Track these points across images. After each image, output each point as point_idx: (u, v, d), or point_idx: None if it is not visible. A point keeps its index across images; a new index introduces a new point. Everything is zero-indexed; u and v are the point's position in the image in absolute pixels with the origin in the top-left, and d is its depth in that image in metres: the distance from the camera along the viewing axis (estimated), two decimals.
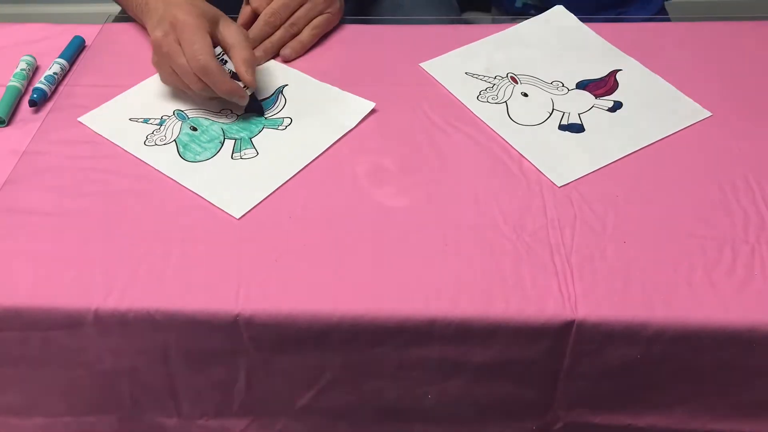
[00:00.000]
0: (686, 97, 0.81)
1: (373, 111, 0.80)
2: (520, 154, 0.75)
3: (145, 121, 0.79)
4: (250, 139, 0.77)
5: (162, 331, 0.64)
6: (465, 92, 0.82)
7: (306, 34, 0.89)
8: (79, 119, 0.79)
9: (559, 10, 0.94)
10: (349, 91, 0.82)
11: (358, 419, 0.74)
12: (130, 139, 0.77)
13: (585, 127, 0.78)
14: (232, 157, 0.75)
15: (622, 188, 0.71)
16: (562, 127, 0.78)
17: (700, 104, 0.80)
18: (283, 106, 0.81)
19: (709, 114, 0.79)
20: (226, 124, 0.79)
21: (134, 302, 0.62)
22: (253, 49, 0.84)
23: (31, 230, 0.68)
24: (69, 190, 0.72)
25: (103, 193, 0.71)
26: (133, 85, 0.84)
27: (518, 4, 1.12)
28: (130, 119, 0.79)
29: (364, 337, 0.63)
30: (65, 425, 0.75)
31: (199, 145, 0.76)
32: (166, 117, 0.80)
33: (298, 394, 0.70)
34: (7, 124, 0.79)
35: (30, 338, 0.65)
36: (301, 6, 0.88)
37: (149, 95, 0.83)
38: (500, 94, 0.82)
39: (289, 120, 0.79)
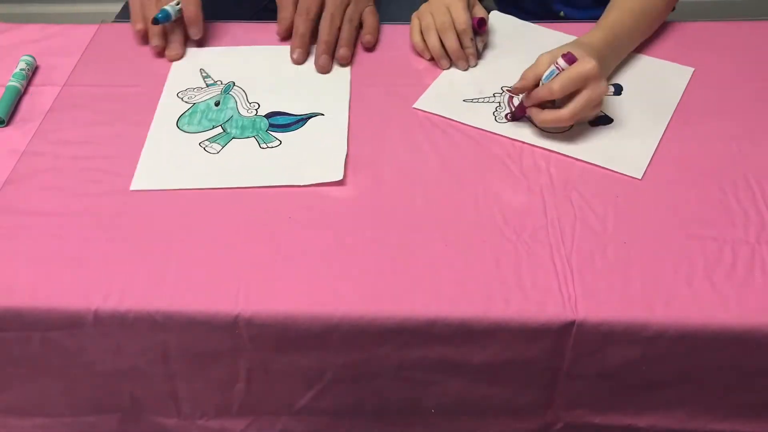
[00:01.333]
0: (665, 61, 0.83)
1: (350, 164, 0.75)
2: (582, 161, 0.74)
3: (205, 75, 0.85)
4: (233, 138, 0.78)
5: (162, 332, 0.64)
6: (479, 119, 0.79)
7: (371, 19, 0.90)
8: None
9: (496, 14, 0.93)
10: (352, 90, 0.82)
11: (359, 419, 0.74)
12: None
13: (610, 116, 0.78)
14: (199, 144, 0.77)
15: (622, 188, 0.71)
16: (593, 123, 0.78)
17: (700, 102, 0.80)
18: (296, 129, 0.79)
19: (692, 69, 0.82)
20: (239, 116, 0.81)
21: (134, 303, 0.62)
22: (325, 53, 0.86)
23: (31, 230, 0.68)
24: (69, 190, 0.72)
25: (103, 194, 0.71)
26: (132, 85, 0.84)
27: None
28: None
29: (365, 338, 0.63)
30: (65, 425, 0.75)
31: (206, 118, 0.80)
32: (225, 82, 0.85)
33: (298, 394, 0.70)
34: (7, 124, 0.79)
35: (30, 339, 0.65)
36: (347, 5, 0.89)
37: (236, 56, 0.89)
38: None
39: (278, 142, 0.77)
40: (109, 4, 1.01)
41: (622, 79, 0.83)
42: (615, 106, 0.80)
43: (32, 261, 0.65)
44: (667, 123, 0.78)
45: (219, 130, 0.78)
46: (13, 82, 0.82)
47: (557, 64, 0.73)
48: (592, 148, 0.75)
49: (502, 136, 0.77)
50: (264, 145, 0.77)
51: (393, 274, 0.64)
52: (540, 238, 0.67)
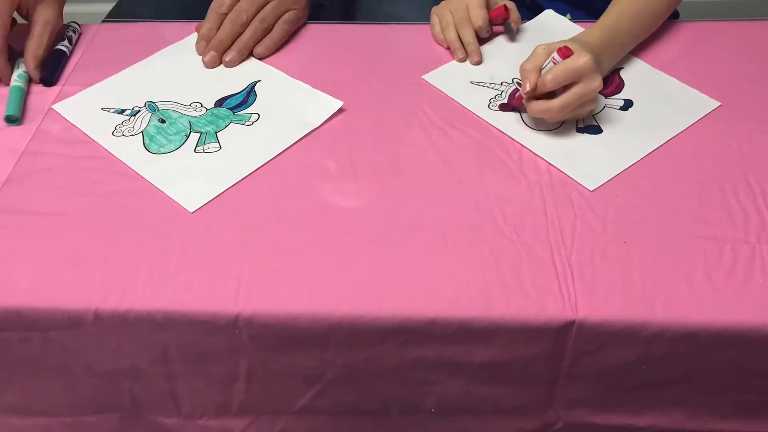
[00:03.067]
0: (693, 90, 0.81)
1: (342, 109, 0.80)
2: (548, 162, 0.73)
3: (118, 111, 0.80)
4: (216, 133, 0.78)
5: (162, 331, 0.63)
6: (474, 102, 0.80)
7: (277, 30, 0.89)
8: (53, 107, 0.80)
9: (549, 14, 0.94)
10: (348, 93, 0.82)
11: (359, 419, 0.74)
12: (100, 129, 0.78)
13: (602, 127, 0.78)
14: (195, 151, 0.76)
15: (622, 188, 0.71)
16: (579, 130, 0.77)
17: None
18: (253, 101, 0.82)
19: (718, 104, 0.79)
20: (195, 117, 0.80)
21: (134, 302, 0.62)
22: (225, 50, 0.86)
23: (31, 230, 0.68)
24: (69, 190, 0.71)
25: (103, 193, 0.71)
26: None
27: None
28: (102, 109, 0.80)
29: (365, 337, 0.63)
30: (65, 425, 0.75)
31: (165, 137, 0.77)
32: (138, 108, 0.80)
33: (298, 394, 0.70)
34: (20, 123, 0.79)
35: (30, 338, 0.65)
36: (267, 3, 0.88)
37: (126, 85, 0.84)
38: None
39: (257, 116, 0.80)
40: (108, 4, 1.01)
41: (638, 95, 0.81)
42: (613, 118, 0.79)
43: (32, 261, 0.65)
44: (656, 146, 0.75)
45: (195, 135, 0.78)
46: (17, 83, 0.82)
47: (553, 57, 0.73)
48: (560, 150, 0.75)
49: (486, 122, 0.78)
50: (248, 123, 0.78)
51: (393, 274, 0.64)
52: (540, 238, 0.66)
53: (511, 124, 0.78)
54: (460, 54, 0.87)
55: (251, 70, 0.86)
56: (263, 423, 0.73)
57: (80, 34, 0.90)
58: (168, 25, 0.93)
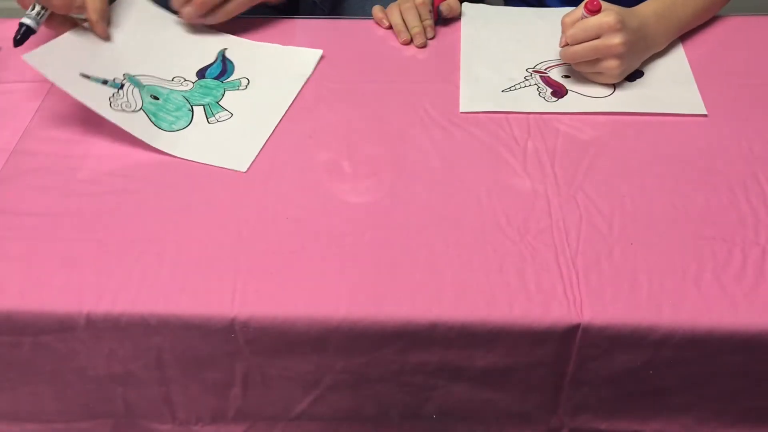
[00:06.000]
0: (695, 87, 0.81)
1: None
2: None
3: (100, 81, 0.77)
4: (217, 103, 0.79)
5: (156, 335, 0.63)
6: (531, 104, 0.79)
7: (233, 4, 0.87)
8: (25, 57, 0.75)
9: (468, 6, 0.93)
10: (348, 91, 0.82)
11: (358, 425, 0.73)
12: (94, 99, 0.75)
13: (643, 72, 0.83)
14: (208, 122, 0.77)
15: (628, 189, 0.70)
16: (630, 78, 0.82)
17: (709, 100, 0.79)
18: (233, 69, 0.84)
19: (704, 113, 0.78)
20: (186, 92, 0.80)
21: (127, 306, 0.61)
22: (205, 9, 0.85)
23: (21, 231, 0.67)
24: (60, 189, 0.71)
25: (95, 193, 0.70)
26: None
27: None
28: (81, 74, 0.77)
29: (364, 341, 0.62)
30: (57, 431, 0.74)
31: (169, 113, 0.77)
32: (119, 80, 0.79)
33: (295, 399, 0.69)
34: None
35: (20, 343, 0.64)
36: None
37: (95, 47, 0.81)
38: (536, 90, 0.82)
39: (246, 80, 0.82)
40: None
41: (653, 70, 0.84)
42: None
43: (22, 263, 0.64)
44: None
45: (198, 108, 0.78)
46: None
47: (583, 12, 0.77)
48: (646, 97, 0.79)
49: (560, 113, 0.79)
50: (242, 88, 0.81)
51: (393, 277, 0.63)
52: (544, 240, 0.65)
53: (579, 102, 0.80)
54: (404, 35, 0.88)
55: (215, 41, 0.87)
56: (260, 429, 0.73)
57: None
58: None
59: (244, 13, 0.90)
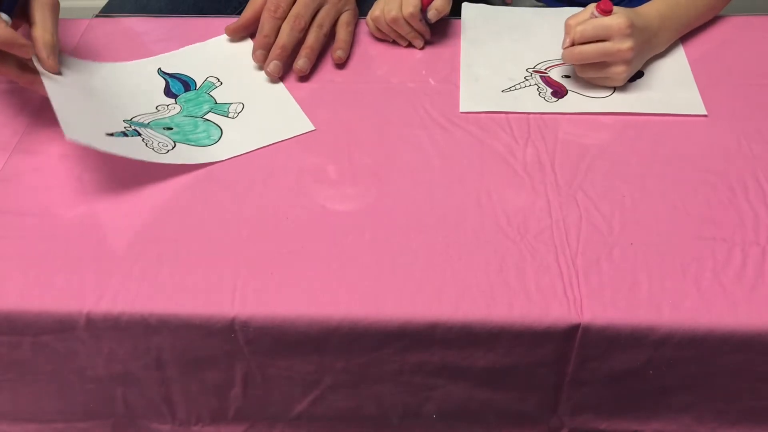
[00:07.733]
0: (695, 87, 0.81)
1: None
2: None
3: (122, 134, 0.73)
4: (217, 103, 0.80)
5: (156, 335, 0.62)
6: (531, 104, 0.79)
7: (343, 33, 0.86)
8: (69, 137, 0.68)
9: (467, 6, 0.93)
10: (347, 90, 0.81)
11: (358, 425, 0.73)
12: (148, 153, 0.72)
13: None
14: (232, 118, 0.78)
15: (628, 189, 0.70)
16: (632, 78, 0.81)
17: (709, 100, 0.79)
18: (190, 78, 0.83)
19: (704, 113, 0.78)
20: (182, 111, 0.79)
21: (127, 305, 0.61)
22: (277, 58, 0.82)
23: (21, 231, 0.67)
24: (59, 189, 0.70)
25: (95, 193, 0.70)
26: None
27: None
28: (107, 134, 0.73)
29: (364, 341, 0.62)
30: (57, 431, 0.74)
31: (196, 133, 0.76)
32: (128, 129, 0.75)
33: (295, 399, 0.69)
34: None
35: (20, 343, 0.64)
36: (321, 7, 0.85)
37: (82, 105, 0.77)
38: (538, 91, 0.81)
39: (241, 105, 0.80)
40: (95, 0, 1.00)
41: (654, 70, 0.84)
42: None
43: (22, 262, 0.64)
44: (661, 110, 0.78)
45: (211, 115, 0.78)
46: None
47: (593, 12, 0.76)
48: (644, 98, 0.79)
49: (560, 114, 0.78)
50: (231, 116, 0.79)
51: (393, 277, 0.63)
52: (544, 240, 0.65)
53: (578, 103, 0.79)
54: (403, 42, 0.87)
55: (145, 66, 0.85)
56: (260, 430, 0.72)
57: None
58: (160, 21, 0.93)
59: (233, 11, 0.90)
